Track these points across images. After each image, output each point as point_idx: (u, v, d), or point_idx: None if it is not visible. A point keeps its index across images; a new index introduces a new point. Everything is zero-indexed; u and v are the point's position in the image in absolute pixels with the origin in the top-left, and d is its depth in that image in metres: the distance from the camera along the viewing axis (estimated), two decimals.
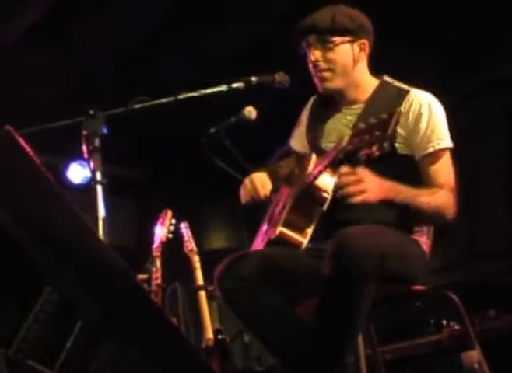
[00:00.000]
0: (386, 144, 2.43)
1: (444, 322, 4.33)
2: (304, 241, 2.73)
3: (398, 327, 4.86)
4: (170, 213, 5.31)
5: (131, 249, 7.07)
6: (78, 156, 6.21)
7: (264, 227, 3.06)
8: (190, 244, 5.35)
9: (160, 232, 5.16)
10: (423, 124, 2.77)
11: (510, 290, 4.75)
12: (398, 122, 2.41)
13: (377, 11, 5.06)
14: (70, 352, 1.57)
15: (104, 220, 2.29)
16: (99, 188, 2.35)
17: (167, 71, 5.68)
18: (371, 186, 2.48)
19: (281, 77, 2.91)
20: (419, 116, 2.79)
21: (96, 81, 5.72)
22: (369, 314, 2.59)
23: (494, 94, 5.63)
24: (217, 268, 2.79)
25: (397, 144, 2.77)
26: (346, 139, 2.53)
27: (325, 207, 2.73)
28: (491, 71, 5.57)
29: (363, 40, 2.93)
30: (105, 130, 2.43)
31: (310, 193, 2.73)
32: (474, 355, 2.64)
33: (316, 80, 2.94)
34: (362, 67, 2.97)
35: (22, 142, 1.45)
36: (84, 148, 2.41)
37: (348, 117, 2.95)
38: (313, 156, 2.87)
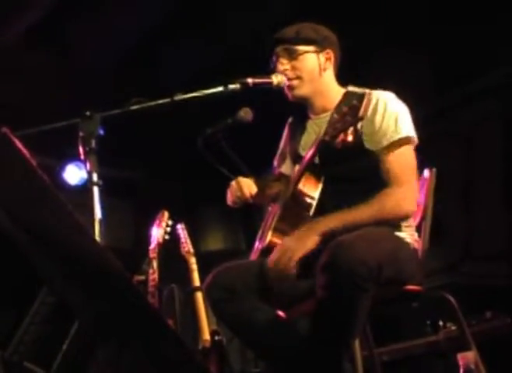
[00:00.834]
0: (359, 127, 2.51)
1: (441, 323, 4.34)
2: None
3: (395, 328, 4.87)
4: (166, 214, 5.30)
5: (128, 250, 7.06)
6: (74, 157, 6.24)
7: (256, 245, 3.07)
8: (186, 245, 5.35)
9: (157, 234, 5.16)
10: (379, 119, 2.82)
11: (507, 291, 4.76)
12: (367, 106, 2.62)
13: (374, 13, 5.10)
14: (66, 354, 1.57)
15: (101, 221, 2.28)
16: (95, 189, 2.35)
17: (166, 73, 5.68)
18: (291, 246, 2.64)
19: (278, 78, 2.94)
20: (374, 111, 2.84)
21: (95, 83, 5.72)
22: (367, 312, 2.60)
23: (492, 97, 5.64)
24: (206, 280, 2.83)
25: (364, 141, 2.81)
26: (322, 132, 2.62)
27: (311, 213, 2.74)
28: (489, 74, 5.58)
29: (328, 50, 3.04)
30: (101, 132, 2.42)
31: (296, 198, 2.76)
32: (470, 356, 2.64)
33: (285, 89, 3.01)
34: (329, 76, 3.07)
35: (19, 144, 1.45)
36: (80, 149, 2.40)
37: (319, 126, 3.00)
38: (296, 166, 2.91)
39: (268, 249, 2.81)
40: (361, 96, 2.85)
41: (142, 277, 4.95)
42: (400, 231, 2.83)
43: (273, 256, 2.66)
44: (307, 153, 2.80)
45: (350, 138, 2.59)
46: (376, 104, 2.86)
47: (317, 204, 2.75)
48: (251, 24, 5.17)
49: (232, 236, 7.99)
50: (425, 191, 3.03)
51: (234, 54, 5.40)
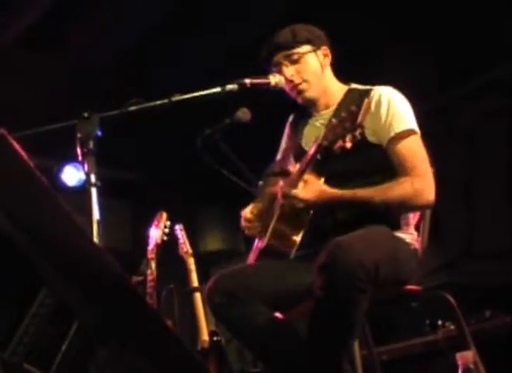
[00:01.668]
0: (357, 134, 2.52)
1: (440, 322, 4.34)
2: (293, 249, 2.74)
3: (394, 327, 4.87)
4: (164, 215, 5.30)
5: (126, 251, 7.06)
6: (72, 158, 6.23)
7: (256, 243, 3.07)
8: (185, 246, 5.35)
9: (155, 234, 5.16)
10: (383, 112, 2.84)
11: (506, 290, 4.75)
12: (367, 112, 2.59)
13: (377, 11, 5.09)
14: (65, 354, 1.57)
15: (99, 222, 2.28)
16: (93, 190, 2.34)
17: (165, 73, 5.67)
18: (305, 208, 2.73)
19: (276, 79, 2.94)
20: (378, 105, 2.86)
21: (93, 84, 5.72)
22: (365, 315, 2.60)
23: (495, 94, 5.63)
24: (207, 285, 2.83)
25: (367, 135, 2.82)
26: (321, 136, 2.65)
27: (311, 213, 2.75)
28: (491, 71, 5.57)
29: (324, 47, 3.06)
30: (99, 133, 2.42)
31: (290, 205, 2.76)
32: (470, 355, 2.64)
33: (293, 94, 3.04)
34: (329, 72, 3.09)
35: (17, 145, 1.45)
36: (78, 150, 2.40)
37: (321, 121, 3.02)
38: (298, 163, 2.91)
39: (267, 251, 2.81)
40: (363, 94, 2.87)
41: (141, 278, 4.95)
42: (399, 230, 2.84)
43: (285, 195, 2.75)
44: (308, 152, 2.80)
45: (348, 145, 2.59)
46: (380, 99, 2.87)
47: None
48: (250, 24, 5.17)
49: (230, 237, 7.98)
50: None
51: (233, 54, 5.40)
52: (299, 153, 3.04)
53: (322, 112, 3.06)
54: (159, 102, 2.63)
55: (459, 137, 5.92)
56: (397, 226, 2.85)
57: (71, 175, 6.66)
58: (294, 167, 2.97)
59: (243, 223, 3.06)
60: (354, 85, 3.07)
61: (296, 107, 3.18)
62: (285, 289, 2.77)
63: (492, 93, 5.66)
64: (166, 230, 5.22)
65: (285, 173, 3.11)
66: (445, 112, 5.93)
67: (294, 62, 2.98)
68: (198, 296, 5.12)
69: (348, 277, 2.39)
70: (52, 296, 1.57)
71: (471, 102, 5.78)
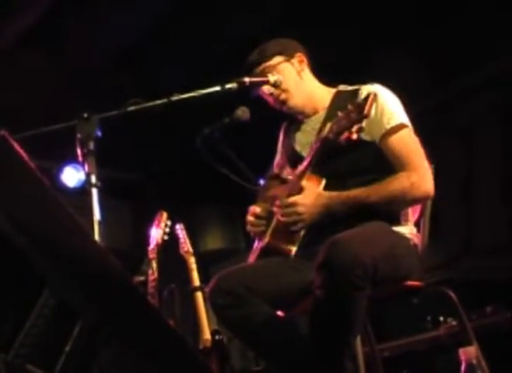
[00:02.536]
0: (364, 125, 2.54)
1: (441, 318, 4.34)
2: (293, 248, 2.75)
3: (396, 324, 4.87)
4: (165, 214, 5.30)
5: (127, 251, 7.06)
6: (72, 159, 6.23)
7: (256, 244, 3.07)
8: (186, 245, 5.35)
9: (156, 234, 5.16)
10: (373, 110, 2.79)
11: (507, 286, 4.76)
12: (372, 103, 2.61)
13: (372, 8, 5.09)
14: (69, 356, 1.57)
15: (100, 223, 2.28)
16: (94, 191, 2.34)
17: (165, 73, 5.67)
18: (306, 211, 2.72)
19: (275, 77, 2.94)
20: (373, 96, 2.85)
21: (93, 84, 5.72)
22: (367, 311, 2.60)
23: (489, 91, 5.64)
24: (208, 286, 2.84)
25: (362, 133, 2.81)
26: (327, 129, 2.62)
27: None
28: (485, 69, 5.58)
29: (298, 54, 3.08)
30: (99, 133, 2.42)
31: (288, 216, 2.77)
32: (472, 351, 2.64)
33: (277, 106, 3.07)
34: (309, 77, 3.11)
35: (18, 147, 1.45)
36: (78, 151, 2.40)
37: (313, 126, 3.03)
38: (292, 169, 2.93)
39: (268, 249, 2.81)
40: (353, 94, 2.89)
41: (142, 278, 4.95)
42: (399, 225, 2.84)
43: (285, 209, 2.76)
44: (310, 152, 2.80)
45: (355, 136, 2.61)
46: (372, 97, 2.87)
47: None
48: (249, 24, 5.17)
49: (231, 235, 7.99)
50: None
51: (232, 53, 5.40)
52: (293, 157, 3.06)
53: (312, 117, 3.08)
54: (158, 101, 2.63)
55: (455, 134, 5.93)
56: (396, 221, 2.85)
57: (71, 176, 6.66)
58: (289, 173, 3.00)
59: (250, 219, 3.05)
60: (342, 87, 3.08)
61: (287, 115, 3.19)
62: (286, 287, 2.77)
63: (486, 90, 5.67)
64: (167, 229, 5.22)
65: (279, 179, 3.13)
66: (440, 110, 5.93)
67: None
68: (199, 295, 5.12)
69: (347, 275, 2.39)
70: (55, 297, 1.57)
71: (466, 100, 5.79)
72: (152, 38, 5.44)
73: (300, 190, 2.77)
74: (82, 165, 2.38)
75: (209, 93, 2.73)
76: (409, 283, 2.76)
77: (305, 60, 3.08)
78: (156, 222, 5.24)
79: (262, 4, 5.06)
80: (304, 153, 2.99)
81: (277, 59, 3.02)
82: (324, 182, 2.78)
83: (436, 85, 5.82)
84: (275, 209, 2.85)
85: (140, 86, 5.55)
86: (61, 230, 1.53)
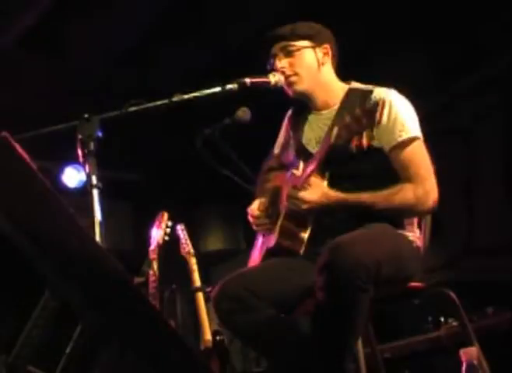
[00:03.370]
0: (374, 132, 2.50)
1: (442, 319, 4.34)
2: (302, 246, 2.74)
3: (397, 325, 4.87)
4: (166, 215, 5.30)
5: (128, 252, 7.07)
6: (72, 160, 6.23)
7: (260, 240, 3.06)
8: (187, 246, 5.35)
9: (157, 235, 5.16)
10: (385, 117, 2.77)
11: (508, 287, 4.76)
12: (383, 110, 2.58)
13: (374, 8, 5.08)
14: (70, 357, 1.57)
15: (101, 224, 2.28)
16: (95, 192, 2.34)
17: (164, 73, 5.68)
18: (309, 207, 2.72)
19: (275, 78, 2.94)
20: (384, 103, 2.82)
21: (94, 85, 5.72)
22: (367, 313, 2.60)
23: (493, 91, 5.64)
24: (213, 291, 2.82)
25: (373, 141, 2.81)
26: (334, 134, 2.59)
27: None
28: (486, 69, 5.58)
29: (325, 45, 3.03)
30: (100, 134, 2.42)
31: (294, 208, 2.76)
32: (473, 352, 2.64)
33: (285, 87, 3.01)
34: (328, 70, 3.06)
35: (19, 148, 1.45)
36: (79, 151, 2.40)
37: (323, 121, 2.99)
38: (301, 163, 2.90)
39: (276, 250, 2.81)
40: (365, 96, 2.86)
41: (143, 279, 4.95)
42: (402, 229, 2.84)
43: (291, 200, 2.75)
44: (317, 155, 2.78)
45: (365, 142, 2.57)
46: (383, 102, 2.80)
47: None
48: (249, 23, 5.18)
49: (231, 236, 7.99)
50: None
51: (231, 53, 5.40)
52: (301, 151, 3.03)
53: (323, 111, 3.03)
54: (159, 102, 2.63)
55: (456, 135, 5.93)
56: (400, 224, 2.84)
57: (72, 176, 6.66)
58: (297, 165, 2.97)
59: (251, 220, 3.04)
60: (354, 84, 3.04)
61: (295, 103, 3.17)
62: (290, 289, 2.77)
63: (488, 92, 5.67)
64: (168, 230, 5.22)
65: (278, 170, 3.11)
66: (442, 111, 5.93)
67: (289, 55, 2.98)
68: (200, 296, 5.12)
69: (349, 277, 2.38)
70: (56, 298, 1.57)
71: (467, 101, 5.79)
72: (152, 39, 5.43)
73: (306, 187, 2.75)
74: (83, 166, 2.39)
75: (210, 94, 2.73)
76: (411, 284, 2.77)
77: (330, 53, 3.04)
78: (157, 223, 5.24)
79: (264, 3, 5.07)
80: (310, 148, 2.97)
81: (304, 43, 2.98)
82: (326, 183, 2.77)
83: (437, 87, 5.82)
84: (282, 203, 2.85)
85: (140, 87, 5.55)
86: (62, 231, 1.53)
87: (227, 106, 2.90)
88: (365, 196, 2.71)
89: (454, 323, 4.16)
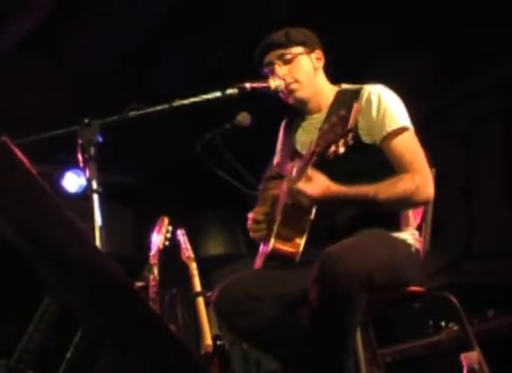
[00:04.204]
0: (349, 139, 2.49)
1: (443, 323, 4.34)
2: (298, 252, 2.73)
3: (397, 329, 4.87)
4: (166, 220, 5.30)
5: (128, 256, 7.06)
6: (73, 165, 6.24)
7: (261, 248, 3.06)
8: (187, 251, 5.35)
9: (157, 240, 5.15)
10: (374, 111, 2.82)
11: (508, 290, 4.75)
12: (356, 115, 2.52)
13: (375, 12, 5.09)
14: (71, 361, 1.57)
15: (101, 228, 2.28)
16: (95, 197, 2.34)
17: (165, 77, 5.68)
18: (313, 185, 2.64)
19: (276, 83, 2.94)
20: (369, 104, 2.85)
21: (94, 88, 5.72)
22: (368, 316, 2.60)
23: (492, 95, 5.64)
24: (213, 294, 2.83)
25: (362, 136, 2.82)
26: (314, 142, 2.63)
27: (312, 216, 2.73)
28: (487, 73, 5.59)
29: (318, 51, 3.08)
30: (100, 139, 2.42)
31: (295, 202, 2.74)
32: (474, 356, 2.64)
33: (284, 94, 3.03)
34: (321, 75, 3.10)
35: (19, 153, 1.45)
36: (79, 156, 2.40)
37: (315, 125, 3.00)
38: (294, 168, 2.90)
39: (272, 256, 2.80)
40: (355, 94, 2.88)
41: (143, 283, 4.95)
42: (399, 231, 2.83)
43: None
44: (305, 156, 2.78)
45: (342, 150, 2.53)
46: (370, 97, 2.86)
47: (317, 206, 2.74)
48: (250, 28, 5.18)
49: (232, 240, 7.99)
50: None
51: (232, 58, 5.40)
52: (294, 156, 3.04)
53: (314, 115, 3.07)
54: (159, 107, 2.63)
55: (456, 139, 5.93)
56: (396, 227, 2.84)
57: (72, 181, 6.67)
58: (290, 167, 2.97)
59: (250, 225, 3.04)
60: (344, 86, 3.07)
61: (290, 111, 3.18)
62: (289, 292, 2.77)
63: (487, 95, 5.67)
64: (168, 235, 5.21)
65: (278, 178, 3.12)
66: (441, 114, 5.94)
67: (287, 62, 3.00)
68: (200, 300, 5.12)
69: (341, 288, 2.40)
70: (56, 303, 1.57)
71: (467, 104, 5.80)
72: (153, 42, 5.44)
73: (308, 178, 2.69)
74: (83, 171, 2.39)
75: (210, 98, 2.74)
76: (411, 288, 2.76)
77: (322, 58, 3.08)
78: (158, 228, 5.24)
79: (265, 5, 5.07)
80: (304, 152, 2.97)
81: (299, 49, 3.01)
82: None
83: (437, 90, 5.83)
84: (280, 204, 2.84)
85: (141, 90, 5.56)
86: (63, 236, 1.53)
87: (228, 110, 2.91)
88: (366, 188, 2.68)
89: (455, 327, 4.16)
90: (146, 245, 5.21)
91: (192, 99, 2.69)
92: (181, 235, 5.44)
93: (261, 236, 3.01)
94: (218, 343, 4.96)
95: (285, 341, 2.71)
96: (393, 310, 3.48)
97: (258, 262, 3.01)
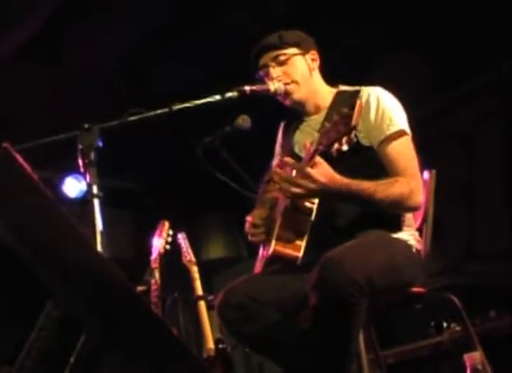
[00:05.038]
0: (353, 136, 2.48)
1: (445, 323, 4.33)
2: (299, 254, 2.72)
3: (399, 330, 4.87)
4: (167, 224, 5.30)
5: (129, 261, 7.06)
6: (73, 170, 6.24)
7: (261, 251, 3.06)
8: (188, 254, 5.34)
9: (158, 244, 5.15)
10: (372, 114, 2.82)
11: (509, 291, 4.75)
12: (360, 113, 2.49)
13: (376, 12, 5.09)
14: (73, 367, 1.57)
15: (102, 233, 2.28)
16: (95, 202, 2.34)
17: (164, 82, 5.68)
18: (320, 182, 2.57)
19: (275, 85, 2.94)
20: (368, 107, 2.84)
21: (93, 94, 5.73)
22: (370, 318, 2.59)
23: (491, 95, 5.65)
24: (216, 300, 2.82)
25: (360, 139, 2.80)
26: (316, 141, 2.61)
27: (313, 217, 2.73)
28: (486, 73, 5.59)
29: (313, 51, 3.07)
30: (100, 144, 2.42)
31: (295, 203, 2.73)
32: (477, 356, 2.64)
33: (281, 96, 3.01)
34: (317, 76, 3.09)
35: (20, 159, 1.45)
36: (80, 161, 2.40)
37: (313, 126, 3.00)
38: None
39: (273, 259, 2.80)
40: (353, 95, 2.86)
41: (145, 288, 4.94)
42: (400, 231, 2.83)
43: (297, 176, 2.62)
44: (305, 157, 2.77)
45: (345, 148, 2.51)
46: (368, 99, 2.85)
47: (317, 208, 2.73)
48: (249, 31, 5.18)
49: (233, 244, 7.99)
50: (425, 193, 3.01)
51: (231, 62, 5.41)
52: (292, 157, 3.03)
53: (313, 116, 3.06)
54: (159, 111, 2.63)
55: (456, 140, 5.94)
56: (398, 228, 2.84)
57: (73, 186, 6.67)
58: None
59: (248, 229, 3.03)
60: (342, 87, 3.06)
61: (288, 113, 3.18)
62: (291, 296, 2.77)
63: (487, 96, 5.67)
64: (169, 239, 5.21)
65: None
66: (442, 114, 5.94)
67: (281, 64, 2.99)
68: (202, 304, 5.11)
69: (340, 295, 2.39)
70: (58, 308, 1.57)
71: (467, 104, 5.79)
72: (151, 48, 5.44)
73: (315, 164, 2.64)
74: (84, 176, 2.38)
75: (210, 102, 2.74)
76: (413, 289, 2.76)
77: (317, 59, 3.07)
78: (158, 232, 5.24)
79: (265, 5, 5.07)
80: (302, 154, 2.97)
81: (293, 50, 3.01)
82: None
83: (437, 91, 5.83)
84: (280, 207, 2.83)
85: (140, 95, 5.55)
86: (64, 241, 1.53)
87: (228, 114, 2.91)
88: (367, 184, 2.65)
89: (457, 328, 4.16)
90: (147, 249, 5.21)
91: (192, 103, 2.69)
92: (182, 238, 5.43)
93: (259, 240, 3.00)
94: (220, 346, 4.95)
95: (288, 346, 2.71)
96: (395, 311, 3.48)
97: (258, 266, 3.01)
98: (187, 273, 5.30)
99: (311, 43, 3.08)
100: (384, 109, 2.83)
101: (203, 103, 2.71)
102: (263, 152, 3.39)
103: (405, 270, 2.69)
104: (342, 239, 2.62)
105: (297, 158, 2.98)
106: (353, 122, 2.47)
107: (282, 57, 2.99)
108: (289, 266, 2.78)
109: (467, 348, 2.87)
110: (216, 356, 4.92)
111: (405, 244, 2.81)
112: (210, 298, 5.04)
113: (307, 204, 2.72)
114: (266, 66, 3.01)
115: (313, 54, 3.06)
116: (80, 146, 2.40)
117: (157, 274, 4.98)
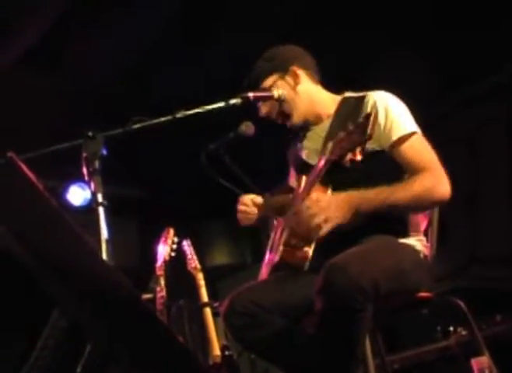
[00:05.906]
0: (368, 146, 2.48)
1: (451, 328, 4.33)
2: (306, 261, 2.72)
3: (405, 335, 4.86)
4: (171, 231, 5.30)
5: (135, 269, 7.06)
6: (77, 178, 6.25)
7: (267, 256, 3.06)
8: (193, 261, 5.35)
9: (163, 251, 5.16)
10: (382, 119, 2.79)
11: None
12: (374, 123, 2.50)
13: (377, 17, 5.10)
14: None
15: (107, 241, 2.28)
16: (100, 210, 2.34)
17: (166, 90, 5.69)
18: (333, 211, 2.54)
19: (279, 92, 2.94)
20: (376, 112, 2.80)
21: (96, 103, 5.73)
22: (376, 323, 2.59)
23: (495, 99, 5.64)
24: (222, 306, 2.81)
25: (370, 144, 2.73)
26: (329, 150, 2.60)
27: None
28: (489, 77, 5.59)
29: (291, 68, 3.02)
30: (104, 152, 2.42)
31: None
32: (484, 361, 2.63)
33: (279, 121, 3.04)
34: (306, 87, 3.05)
35: (25, 168, 1.45)
36: (84, 170, 2.40)
37: (319, 134, 3.00)
38: (304, 176, 2.88)
39: (280, 265, 2.80)
40: (359, 101, 2.85)
41: (150, 295, 4.94)
42: (407, 236, 2.82)
43: (306, 211, 2.56)
44: (315, 170, 2.76)
45: (359, 157, 2.52)
46: (375, 105, 2.83)
47: None
48: (251, 39, 5.19)
49: (237, 250, 8.00)
50: None
51: (234, 66, 5.41)
52: (301, 166, 3.03)
53: (318, 125, 3.05)
54: (162, 119, 2.63)
55: (460, 143, 5.93)
56: (405, 233, 2.83)
57: (77, 195, 6.68)
58: (297, 180, 2.96)
59: (239, 207, 3.06)
60: (348, 94, 3.04)
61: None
62: (296, 302, 2.76)
63: (491, 100, 5.67)
64: (174, 246, 5.22)
65: (286, 191, 3.11)
66: (445, 119, 5.93)
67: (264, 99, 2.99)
68: (208, 311, 5.11)
69: (346, 300, 2.38)
70: (65, 318, 1.57)
71: (471, 109, 5.79)
72: (154, 55, 5.45)
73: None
74: (88, 184, 2.38)
75: (213, 109, 2.74)
76: (419, 294, 2.75)
77: (300, 71, 3.03)
78: (163, 239, 5.25)
79: (267, 14, 5.08)
80: (311, 160, 2.96)
81: (271, 79, 3.00)
82: (330, 191, 2.73)
83: (441, 95, 5.83)
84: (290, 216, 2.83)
85: (142, 103, 5.57)
86: (70, 250, 1.53)
87: (231, 121, 2.91)
88: (373, 191, 2.62)
89: (463, 332, 4.15)
90: (152, 256, 5.21)
91: (195, 110, 2.69)
92: (187, 245, 5.44)
93: (246, 220, 3.03)
94: (226, 353, 4.95)
95: (294, 352, 2.70)
96: (401, 316, 3.48)
97: (264, 271, 3.00)
98: (192, 280, 5.30)
99: (289, 59, 3.05)
100: (392, 113, 2.81)
101: (206, 110, 2.72)
102: (267, 158, 3.39)
103: (411, 276, 2.68)
104: (350, 244, 2.61)
105: (304, 164, 2.98)
106: (369, 132, 2.47)
107: (265, 90, 2.98)
108: (294, 272, 2.78)
109: (474, 352, 2.86)
110: (222, 363, 4.91)
111: (412, 249, 2.80)
112: (215, 304, 5.04)
113: None
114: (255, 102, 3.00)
115: (293, 71, 3.02)
116: (84, 154, 2.40)
117: (162, 282, 4.98)
